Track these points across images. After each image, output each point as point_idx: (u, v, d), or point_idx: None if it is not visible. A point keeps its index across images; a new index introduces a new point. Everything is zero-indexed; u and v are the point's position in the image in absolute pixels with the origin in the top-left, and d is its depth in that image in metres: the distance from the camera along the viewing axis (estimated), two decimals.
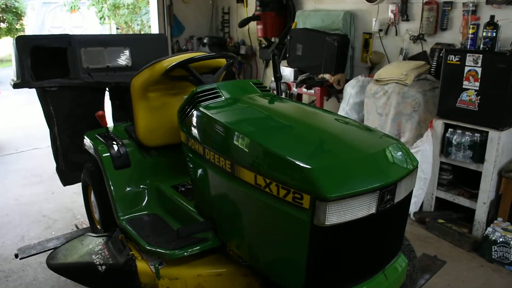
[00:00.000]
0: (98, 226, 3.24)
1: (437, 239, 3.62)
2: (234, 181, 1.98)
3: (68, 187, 3.75)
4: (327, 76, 4.80)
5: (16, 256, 3.17)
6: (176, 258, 2.26)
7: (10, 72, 3.49)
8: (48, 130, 3.50)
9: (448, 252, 3.41)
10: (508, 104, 3.30)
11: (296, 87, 5.06)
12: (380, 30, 4.71)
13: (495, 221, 3.42)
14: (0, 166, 5.41)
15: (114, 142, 2.84)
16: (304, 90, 4.94)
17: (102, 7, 12.65)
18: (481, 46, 3.39)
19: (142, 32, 12.41)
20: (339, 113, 4.60)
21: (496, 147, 3.35)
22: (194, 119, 2.29)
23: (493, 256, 3.28)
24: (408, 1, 4.41)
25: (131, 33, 12.77)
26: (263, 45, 6.29)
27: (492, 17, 3.35)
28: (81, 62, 3.31)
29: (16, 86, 3.17)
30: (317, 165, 1.68)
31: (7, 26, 15.15)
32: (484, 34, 3.35)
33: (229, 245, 2.29)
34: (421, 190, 3.79)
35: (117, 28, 15.10)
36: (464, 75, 3.46)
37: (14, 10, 15.33)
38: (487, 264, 3.28)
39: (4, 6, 14.71)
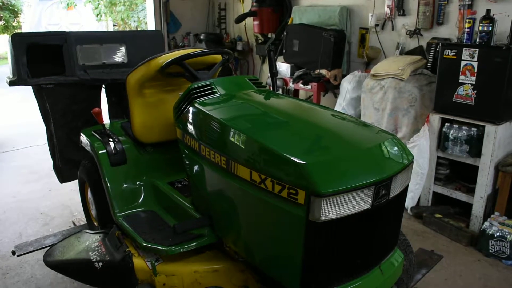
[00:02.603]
0: (95, 223, 3.24)
1: (434, 233, 3.63)
2: (230, 177, 1.98)
3: (65, 184, 3.74)
4: (323, 71, 4.80)
5: (13, 253, 3.17)
6: (173, 255, 2.26)
7: (6, 69, 3.48)
8: (44, 127, 3.50)
9: (445, 247, 3.42)
10: (504, 98, 3.30)
11: (292, 83, 5.06)
12: (377, 25, 4.71)
13: (492, 216, 3.43)
14: None
15: (111, 139, 2.83)
16: (301, 85, 4.94)
17: (99, 4, 12.65)
18: (477, 40, 3.39)
19: (138, 29, 12.39)
20: (336, 108, 4.60)
21: (492, 141, 3.36)
22: (190, 116, 2.28)
23: (490, 251, 3.29)
24: None
25: (127, 29, 12.76)
26: (260, 41, 6.30)
27: (488, 11, 3.34)
28: (77, 59, 3.30)
29: (12, 83, 3.16)
30: (312, 161, 1.67)
31: (4, 24, 15.14)
32: (480, 28, 3.35)
33: (225, 241, 2.29)
34: (418, 185, 3.80)
35: (114, 25, 15.09)
36: (461, 70, 3.46)
37: (10, 7, 15.32)
38: (484, 258, 3.29)
39: (0, 3, 14.68)
